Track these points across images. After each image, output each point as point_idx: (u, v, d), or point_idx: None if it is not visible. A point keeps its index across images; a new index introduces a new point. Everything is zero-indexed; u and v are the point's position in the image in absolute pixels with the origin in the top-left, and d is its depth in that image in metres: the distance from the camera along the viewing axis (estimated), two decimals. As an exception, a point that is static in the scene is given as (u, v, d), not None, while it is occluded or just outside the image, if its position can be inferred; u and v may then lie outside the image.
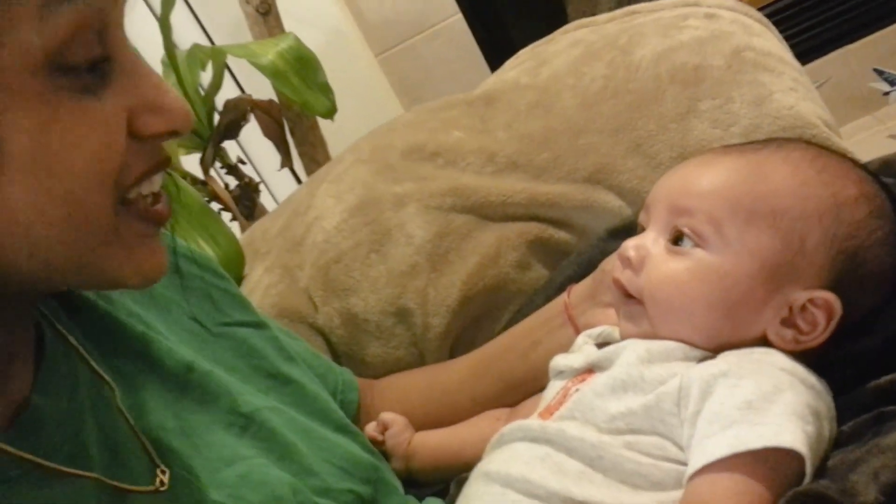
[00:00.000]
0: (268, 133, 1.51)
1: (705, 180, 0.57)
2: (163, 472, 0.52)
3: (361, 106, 2.09)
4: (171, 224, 0.81)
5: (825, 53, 2.15)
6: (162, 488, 0.51)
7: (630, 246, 0.58)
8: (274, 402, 0.64)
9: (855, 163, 0.59)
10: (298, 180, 1.75)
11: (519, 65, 0.99)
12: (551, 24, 2.36)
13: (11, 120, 0.38)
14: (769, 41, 0.88)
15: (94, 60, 0.41)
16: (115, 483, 0.48)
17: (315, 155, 1.53)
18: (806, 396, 0.50)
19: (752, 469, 0.47)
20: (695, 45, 0.85)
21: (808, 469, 0.47)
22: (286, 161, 1.56)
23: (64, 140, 0.40)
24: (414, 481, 0.74)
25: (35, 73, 0.39)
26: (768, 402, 0.48)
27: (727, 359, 0.53)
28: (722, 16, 0.89)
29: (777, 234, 0.54)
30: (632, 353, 0.55)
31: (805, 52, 2.16)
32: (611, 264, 0.68)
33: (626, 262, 0.58)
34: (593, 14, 2.29)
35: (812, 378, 0.52)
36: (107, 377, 0.54)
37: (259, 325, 0.70)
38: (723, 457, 0.47)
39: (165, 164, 0.47)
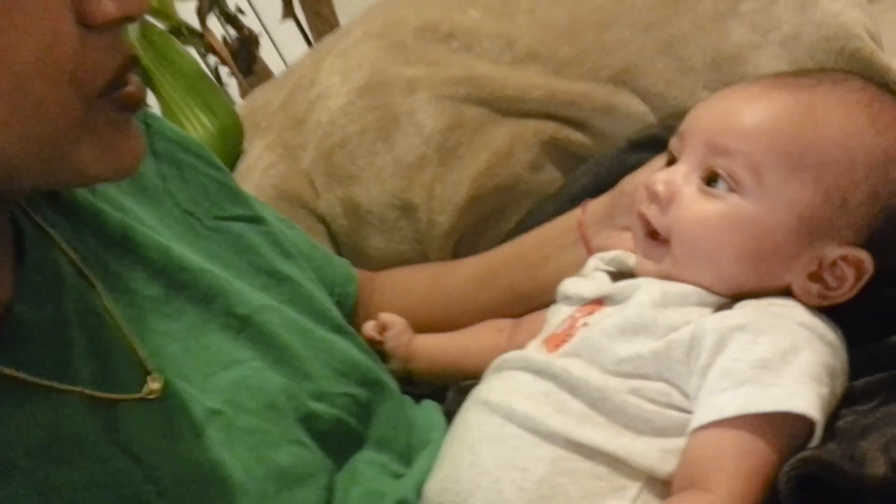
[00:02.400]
0: (269, -18, 1.41)
1: (750, 119, 0.53)
2: (153, 380, 0.51)
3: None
4: (165, 95, 0.75)
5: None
6: (150, 396, 0.50)
7: (660, 180, 0.55)
8: (271, 301, 0.63)
9: None
10: (305, 34, 1.67)
11: (545, -62, 0.91)
12: None
13: None
14: (822, -67, 0.80)
15: None
16: (103, 394, 0.47)
17: (319, 9, 1.45)
18: (823, 355, 0.48)
19: (760, 430, 0.46)
20: (741, -66, 0.77)
21: (818, 432, 0.46)
22: (288, 10, 1.48)
23: (5, 27, 0.37)
24: (409, 381, 0.74)
25: None
26: (784, 362, 0.47)
27: (745, 311, 0.51)
28: None
29: (820, 188, 0.51)
30: (646, 294, 0.53)
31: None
32: (631, 185, 0.64)
33: (654, 197, 0.55)
34: None
35: (831, 334, 0.50)
36: (93, 278, 0.52)
37: (256, 219, 0.67)
38: (732, 416, 0.46)
39: (132, 62, 0.43)
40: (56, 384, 0.45)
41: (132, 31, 1.01)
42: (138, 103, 0.44)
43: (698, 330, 0.50)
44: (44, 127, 0.39)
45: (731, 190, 0.53)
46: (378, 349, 0.72)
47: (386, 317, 0.74)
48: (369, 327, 0.74)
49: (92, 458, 0.45)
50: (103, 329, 0.50)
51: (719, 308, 0.53)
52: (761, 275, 0.53)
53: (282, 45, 1.88)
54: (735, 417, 0.46)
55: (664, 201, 0.55)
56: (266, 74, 1.57)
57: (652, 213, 0.55)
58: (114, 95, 0.42)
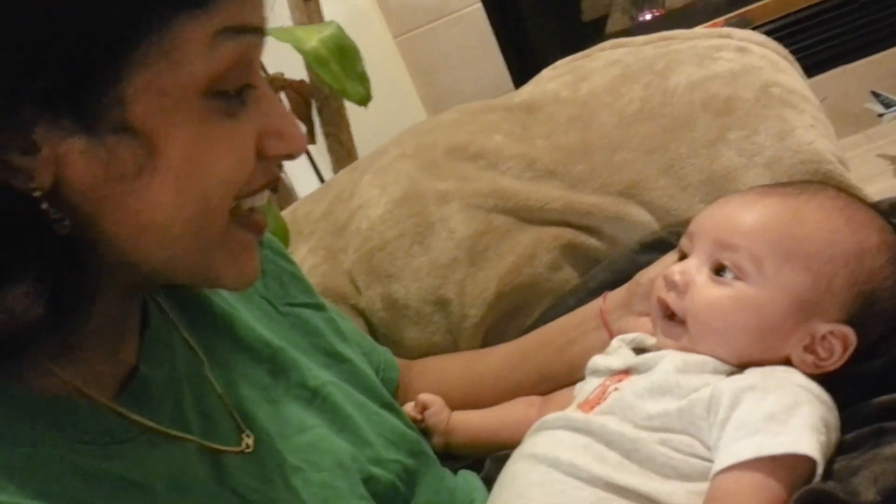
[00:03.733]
0: (296, 111, 1.56)
1: (749, 220, 0.65)
2: (248, 436, 0.59)
3: (378, 86, 2.14)
4: None
5: (825, 71, 2.24)
6: (248, 450, 0.58)
7: (676, 271, 0.66)
8: (333, 377, 0.72)
9: (875, 210, 0.68)
10: (311, 158, 1.82)
11: (557, 77, 1.06)
12: (566, 19, 2.41)
13: (173, 132, 0.45)
14: (793, 77, 0.96)
15: (241, 87, 0.48)
16: (212, 444, 0.56)
17: (340, 136, 1.59)
18: (820, 410, 0.58)
19: (772, 470, 0.55)
20: (727, 76, 0.93)
21: (819, 472, 0.56)
22: (310, 139, 1.63)
23: (208, 154, 0.47)
24: (449, 455, 0.82)
25: (197, 95, 0.46)
26: (789, 415, 0.56)
27: (753, 374, 0.61)
28: (752, 50, 0.97)
29: (809, 275, 0.63)
30: (670, 362, 0.63)
31: (806, 68, 2.24)
32: (646, 277, 0.76)
33: (672, 285, 0.66)
34: (607, 12, 2.34)
35: (825, 395, 0.60)
36: (197, 349, 0.61)
37: (319, 306, 0.78)
38: (748, 459, 0.55)
39: (276, 181, 0.53)
40: (177, 433, 0.54)
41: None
42: (263, 230, 0.54)
43: (716, 390, 0.59)
44: (206, 230, 0.48)
45: (737, 278, 0.64)
46: (420, 427, 0.81)
47: (425, 397, 0.82)
48: (409, 408, 0.82)
49: (209, 494, 0.53)
50: (205, 392, 0.59)
51: (731, 374, 0.63)
52: (765, 348, 0.63)
53: (293, 173, 2.03)
54: (751, 460, 0.55)
55: (681, 288, 0.66)
56: (286, 191, 1.71)
57: (671, 298, 0.66)
58: (247, 218, 0.52)
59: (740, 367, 0.63)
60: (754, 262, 0.63)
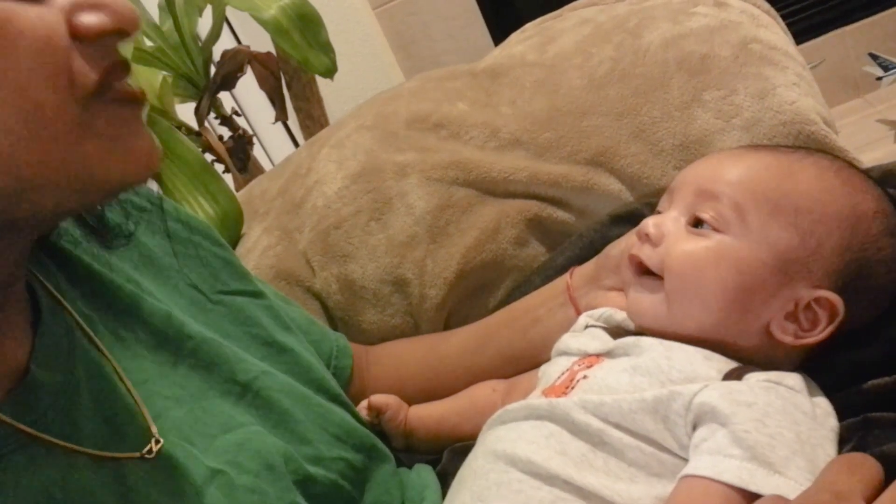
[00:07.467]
0: (264, 86, 1.50)
1: (735, 170, 0.59)
2: (156, 442, 0.52)
3: (357, 59, 2.08)
4: (169, 182, 0.79)
5: (821, 34, 2.16)
6: (149, 456, 0.51)
7: (650, 223, 0.61)
8: (272, 370, 0.65)
9: (872, 178, 0.61)
10: (291, 135, 1.75)
11: (526, 39, 0.99)
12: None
13: None
14: (775, 33, 0.89)
15: None
16: (102, 453, 0.49)
17: (311, 110, 1.53)
18: (825, 445, 0.50)
19: (749, 500, 0.47)
20: (704, 33, 0.86)
21: None
22: (281, 115, 1.56)
23: (3, 46, 0.39)
24: (410, 451, 0.76)
25: None
26: (792, 452, 0.49)
27: (753, 389, 0.53)
28: (731, 4, 0.90)
29: (796, 231, 0.56)
30: (652, 349, 0.57)
31: (802, 31, 2.16)
32: (616, 250, 0.69)
33: (645, 238, 0.60)
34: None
35: (831, 419, 0.53)
36: (103, 346, 0.54)
37: (256, 294, 0.71)
38: (732, 483, 0.48)
39: (123, 67, 0.44)
40: (64, 443, 0.47)
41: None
42: (138, 99, 0.45)
43: (707, 398, 0.51)
44: (45, 130, 0.40)
45: (716, 230, 0.58)
46: (376, 430, 0.73)
47: (377, 400, 0.75)
48: (363, 411, 0.75)
49: None
50: (112, 393, 0.53)
51: (722, 369, 0.56)
52: (744, 310, 0.57)
53: (272, 148, 1.97)
54: (733, 485, 0.48)
55: (655, 240, 0.60)
56: (259, 171, 1.64)
57: (644, 252, 0.60)
58: (110, 95, 0.43)
59: (721, 343, 0.57)
60: (737, 210, 0.57)
